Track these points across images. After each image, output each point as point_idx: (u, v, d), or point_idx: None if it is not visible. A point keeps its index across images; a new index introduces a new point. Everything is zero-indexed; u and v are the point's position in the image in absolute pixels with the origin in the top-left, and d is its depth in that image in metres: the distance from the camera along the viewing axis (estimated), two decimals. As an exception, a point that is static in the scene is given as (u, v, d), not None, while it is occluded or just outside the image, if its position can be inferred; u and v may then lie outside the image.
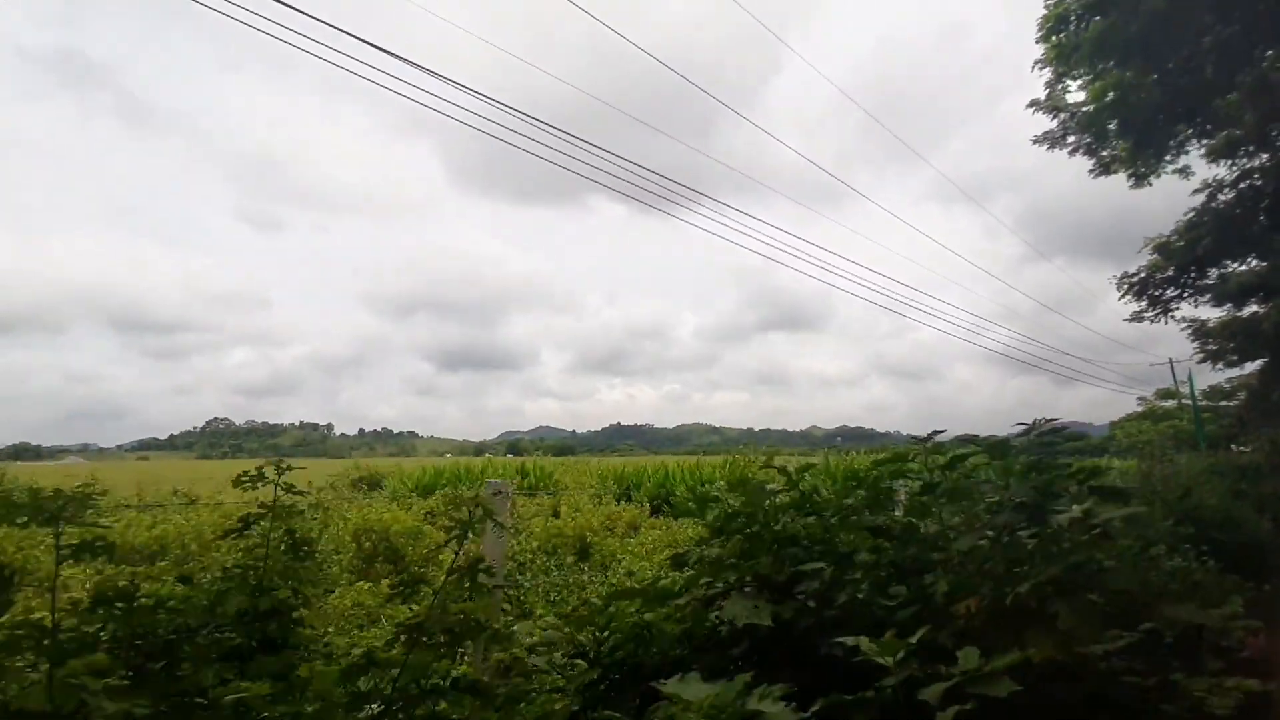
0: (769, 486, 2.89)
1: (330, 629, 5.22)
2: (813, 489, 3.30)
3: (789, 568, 2.28)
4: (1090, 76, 12.07)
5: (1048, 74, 12.93)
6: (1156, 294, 15.40)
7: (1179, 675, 2.69)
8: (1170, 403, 37.52)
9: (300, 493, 2.48)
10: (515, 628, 2.79)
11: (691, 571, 2.63)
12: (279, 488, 2.25)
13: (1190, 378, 28.79)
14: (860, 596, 2.14)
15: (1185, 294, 15.45)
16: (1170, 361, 32.62)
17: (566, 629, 2.63)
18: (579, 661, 2.70)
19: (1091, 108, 12.53)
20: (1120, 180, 14.49)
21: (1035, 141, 14.31)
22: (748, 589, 2.28)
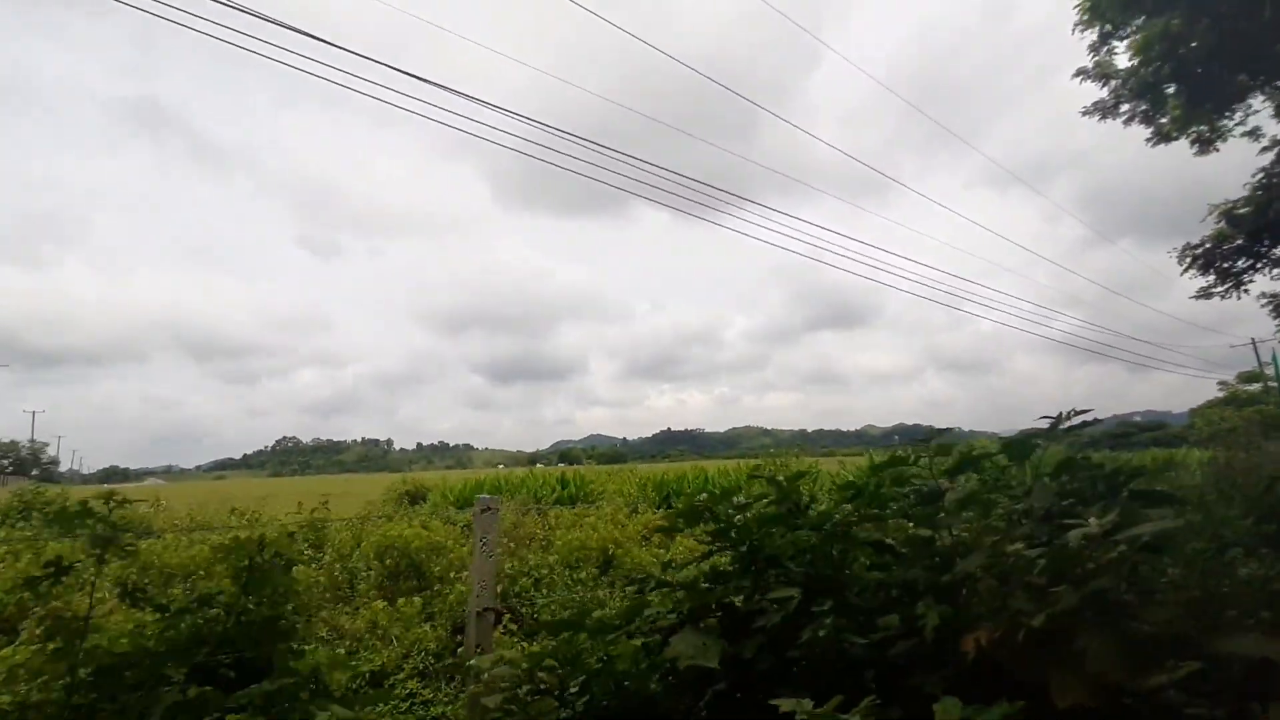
0: (743, 498, 2.55)
1: (341, 649, 5.14)
2: (809, 499, 2.93)
3: (758, 597, 1.94)
4: (1134, 31, 10.90)
5: (1092, 36, 11.72)
6: (1226, 266, 13.80)
7: (1256, 705, 2.23)
8: (1255, 386, 34.81)
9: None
10: (472, 661, 2.54)
11: (648, 598, 2.30)
12: (102, 525, 2.10)
13: (1275, 358, 26.57)
14: (822, 634, 1.76)
15: (1259, 265, 13.81)
16: (1253, 342, 30.26)
17: (524, 665, 2.36)
18: (547, 700, 2.43)
19: (1138, 65, 11.37)
20: (1188, 153, 13.07)
21: (1085, 113, 13.07)
22: (709, 620, 1.95)
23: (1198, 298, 14.44)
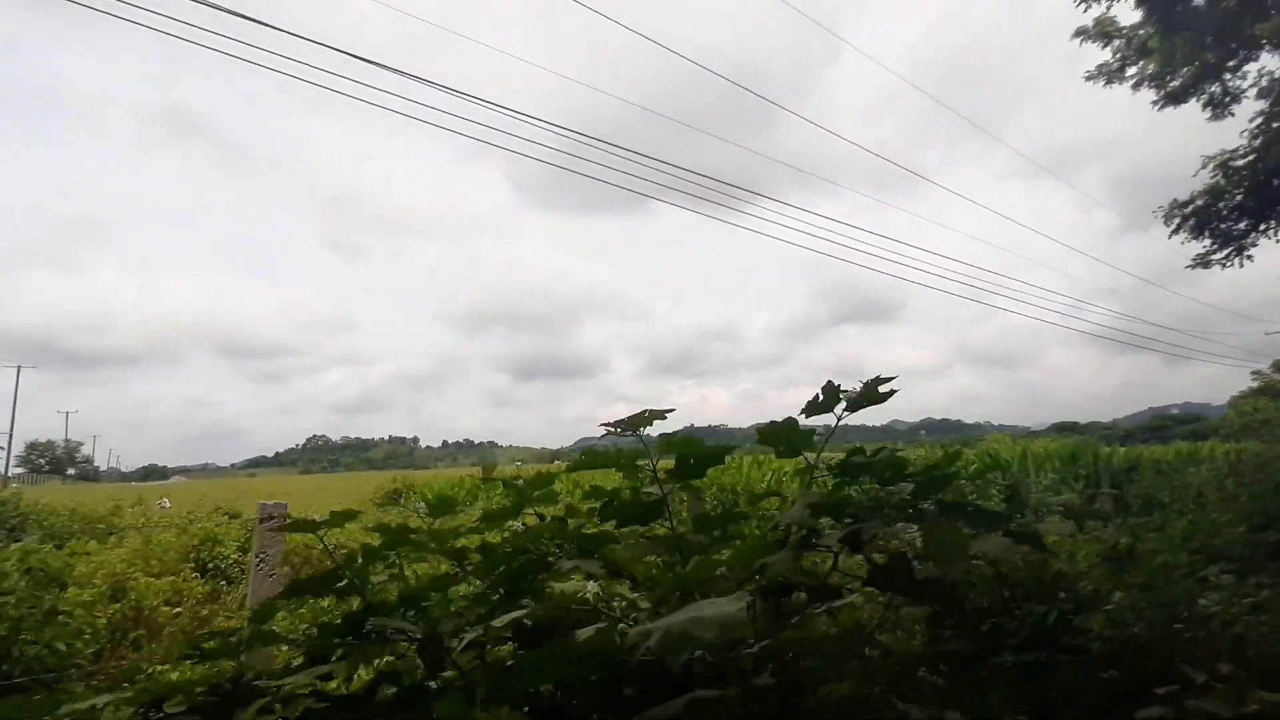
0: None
1: None
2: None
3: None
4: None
5: None
6: (1224, 227, 11.63)
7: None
8: (1292, 375, 34.05)
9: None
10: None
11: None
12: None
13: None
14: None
15: (1265, 226, 11.46)
16: (1289, 330, 29.62)
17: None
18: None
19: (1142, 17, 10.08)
20: (1220, 134, 11.89)
21: (1089, 78, 11.71)
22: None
23: (1194, 266, 12.15)
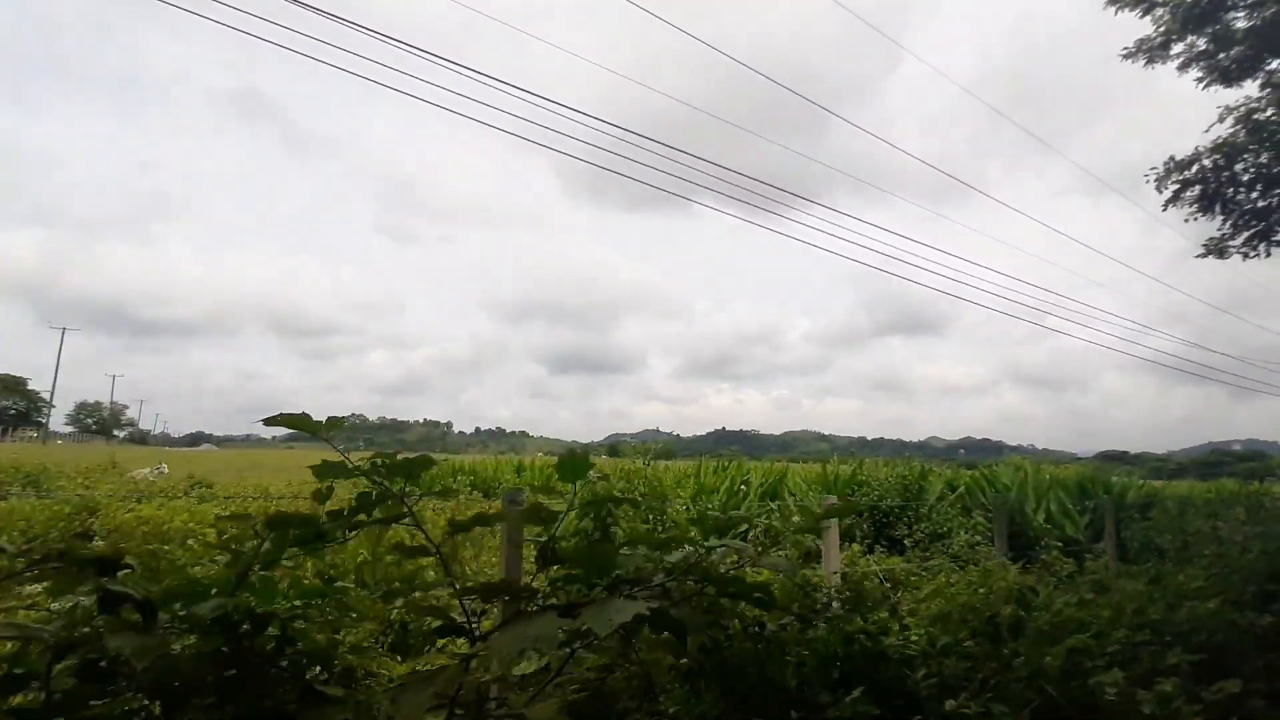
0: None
1: None
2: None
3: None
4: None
5: None
6: (1240, 198, 8.65)
7: None
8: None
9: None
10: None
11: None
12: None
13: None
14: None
15: None
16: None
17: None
18: None
19: None
20: None
21: (1127, 56, 9.20)
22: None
23: (1206, 254, 9.12)
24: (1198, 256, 9.21)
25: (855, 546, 8.01)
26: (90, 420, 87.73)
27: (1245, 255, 8.99)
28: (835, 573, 5.12)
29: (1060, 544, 10.09)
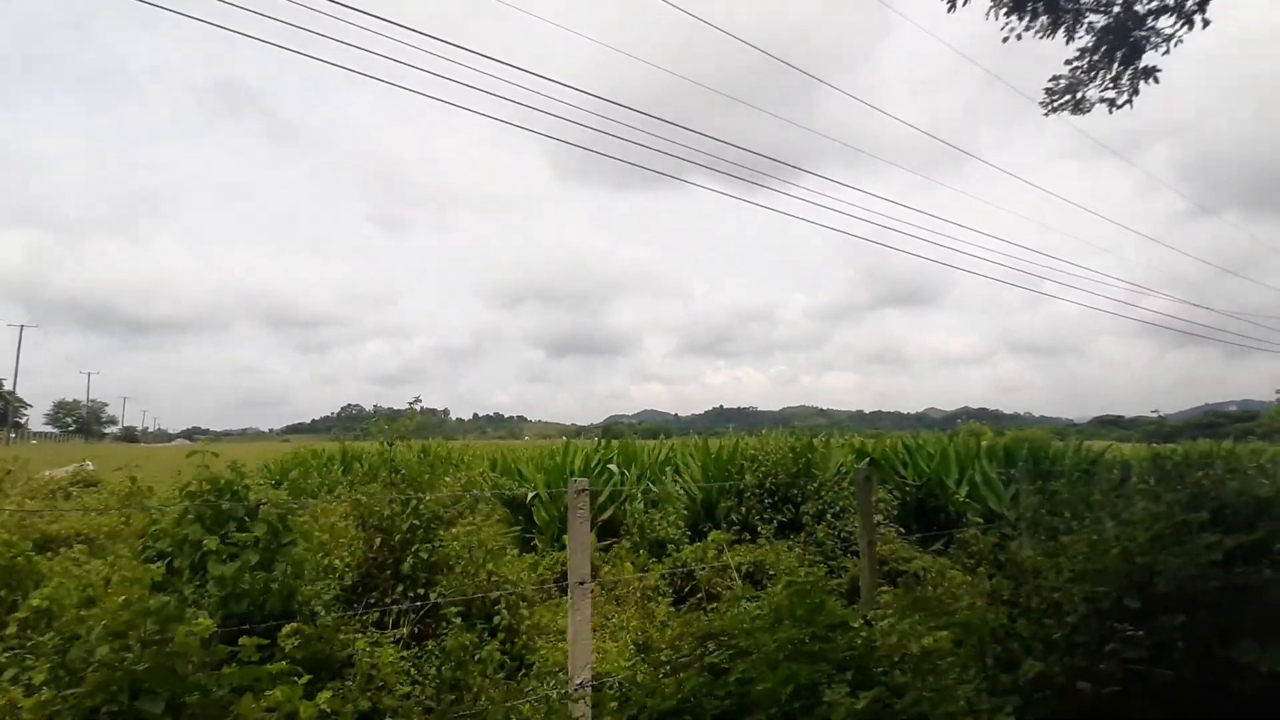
0: None
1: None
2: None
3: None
4: None
5: None
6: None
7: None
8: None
9: None
10: None
11: None
12: None
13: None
14: None
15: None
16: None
17: None
18: None
19: None
20: None
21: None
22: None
23: (1052, 106, 6.18)
24: (1046, 113, 6.26)
25: (716, 533, 6.80)
26: (70, 419, 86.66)
27: (1111, 102, 5.96)
28: (581, 579, 3.92)
29: (981, 520, 8.92)
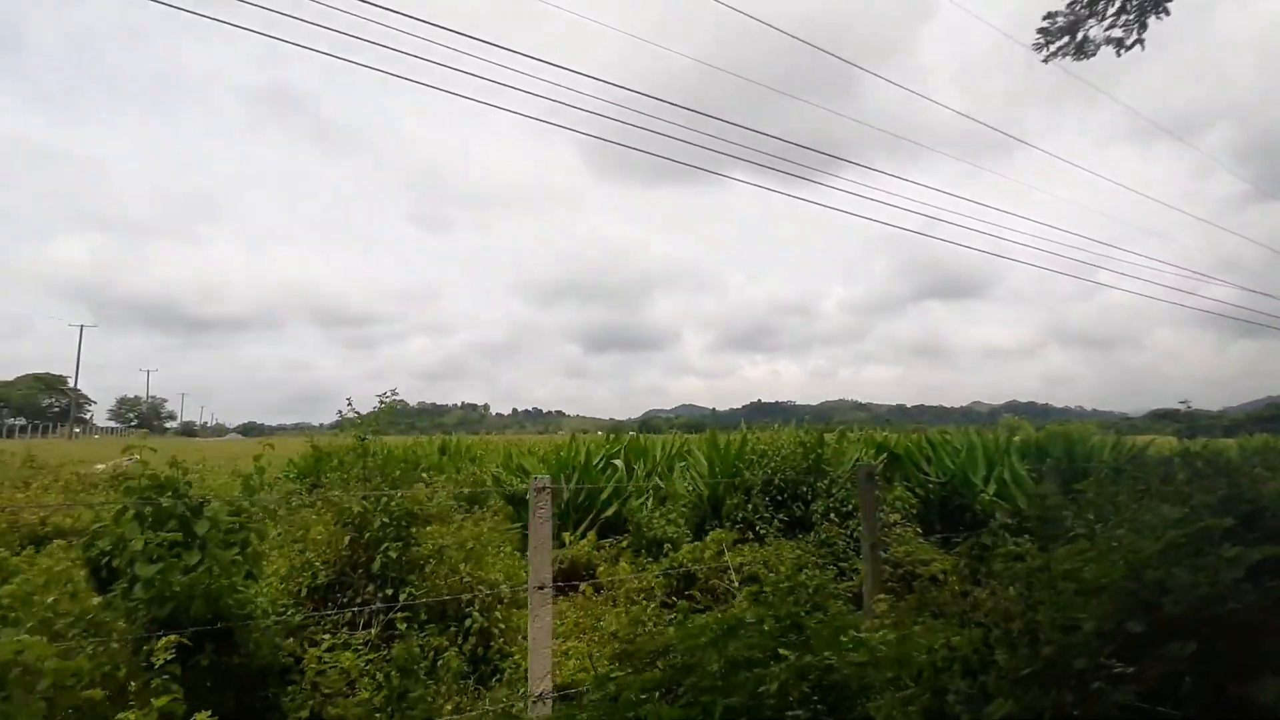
0: None
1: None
2: None
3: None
4: None
5: None
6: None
7: None
8: None
9: None
10: None
11: None
12: None
13: None
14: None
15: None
16: None
17: None
18: None
19: None
20: None
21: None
22: None
23: (1048, 50, 5.59)
24: (1044, 58, 5.53)
25: (718, 532, 6.49)
26: (131, 415, 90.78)
27: (1119, 43, 5.30)
28: (541, 583, 3.67)
29: (1010, 521, 8.37)
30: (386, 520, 4.54)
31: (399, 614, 4.37)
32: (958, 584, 6.61)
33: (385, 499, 4.60)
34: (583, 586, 5.86)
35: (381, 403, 5.03)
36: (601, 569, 6.43)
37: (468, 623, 4.40)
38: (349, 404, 5.00)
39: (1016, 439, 9.51)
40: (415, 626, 4.46)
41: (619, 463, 8.36)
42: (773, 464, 7.73)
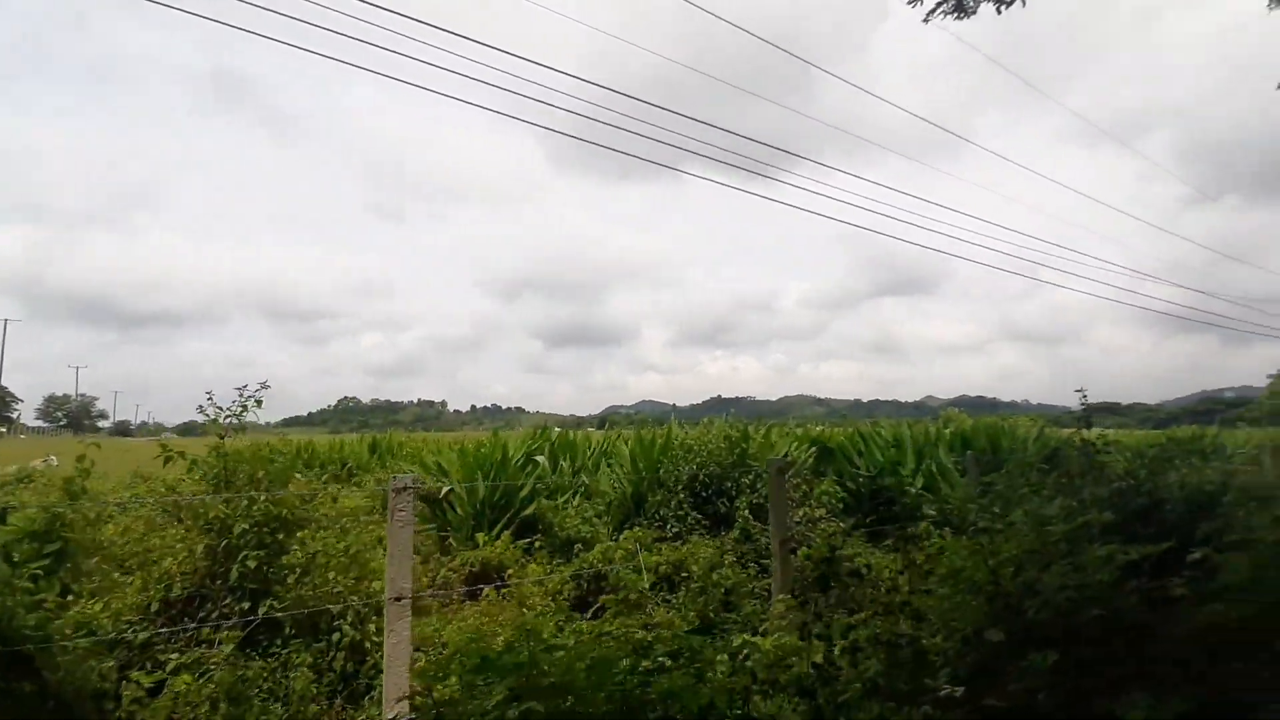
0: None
1: None
2: None
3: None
4: None
5: None
6: None
7: None
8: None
9: None
10: None
11: None
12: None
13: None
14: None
15: None
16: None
17: None
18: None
19: None
20: None
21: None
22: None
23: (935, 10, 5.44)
24: (924, 18, 5.30)
25: (632, 531, 6.22)
26: (60, 414, 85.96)
27: (1000, 1, 5.16)
28: (398, 594, 3.32)
29: (934, 515, 8.33)
30: (246, 527, 4.11)
31: (265, 628, 3.96)
32: (886, 580, 6.50)
33: (246, 503, 4.17)
34: (485, 591, 5.52)
35: (243, 397, 4.57)
36: (510, 572, 6.09)
37: (335, 636, 4.01)
38: (209, 397, 4.53)
39: (949, 430, 9.50)
40: (278, 642, 4.06)
41: (542, 459, 8.01)
42: (698, 460, 7.50)
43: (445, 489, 7.32)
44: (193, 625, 4.14)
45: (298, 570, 4.12)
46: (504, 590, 5.55)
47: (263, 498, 4.21)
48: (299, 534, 4.32)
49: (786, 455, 8.00)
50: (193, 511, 4.36)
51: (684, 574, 5.76)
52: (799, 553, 6.58)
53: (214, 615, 4.15)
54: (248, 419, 4.78)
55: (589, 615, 5.51)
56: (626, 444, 8.44)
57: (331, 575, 4.20)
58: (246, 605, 4.04)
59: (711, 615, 5.11)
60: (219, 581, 4.24)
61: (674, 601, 5.53)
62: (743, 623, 4.92)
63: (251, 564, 4.01)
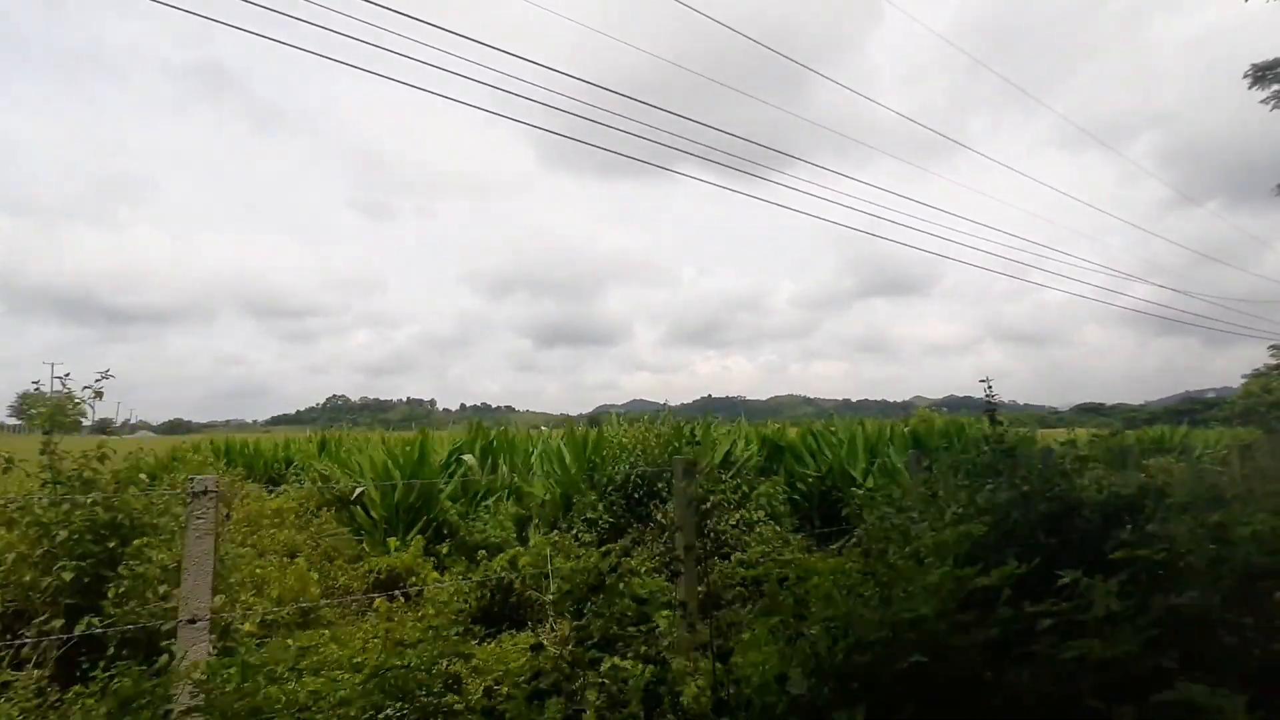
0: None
1: None
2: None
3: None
4: None
5: None
6: None
7: None
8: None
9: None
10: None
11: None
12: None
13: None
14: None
15: None
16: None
17: None
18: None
19: None
20: None
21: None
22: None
23: None
24: None
25: (541, 537, 5.78)
26: (34, 411, 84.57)
27: None
28: (192, 616, 2.88)
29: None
30: (66, 535, 3.65)
31: (87, 647, 3.51)
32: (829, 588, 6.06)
33: (68, 506, 3.71)
34: (377, 602, 5.07)
35: (63, 388, 4.10)
36: (412, 581, 5.64)
37: (163, 659, 3.56)
38: (35, 386, 4.07)
39: (907, 429, 9.13)
40: (100, 665, 3.60)
41: (469, 458, 7.56)
42: (632, 459, 7.07)
43: (357, 490, 6.85)
44: (13, 643, 3.68)
45: (124, 582, 3.65)
46: (399, 599, 5.11)
47: (89, 500, 3.75)
48: (134, 542, 3.86)
49: (729, 454, 7.59)
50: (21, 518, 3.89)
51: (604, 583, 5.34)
52: (732, 559, 6.18)
53: (33, 634, 3.69)
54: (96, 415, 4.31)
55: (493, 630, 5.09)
56: (564, 445, 7.99)
57: (163, 588, 3.73)
58: (61, 623, 3.58)
59: (614, 630, 4.70)
60: (37, 595, 3.78)
61: (586, 613, 5.12)
62: (644, 638, 4.51)
63: (68, 576, 3.55)
